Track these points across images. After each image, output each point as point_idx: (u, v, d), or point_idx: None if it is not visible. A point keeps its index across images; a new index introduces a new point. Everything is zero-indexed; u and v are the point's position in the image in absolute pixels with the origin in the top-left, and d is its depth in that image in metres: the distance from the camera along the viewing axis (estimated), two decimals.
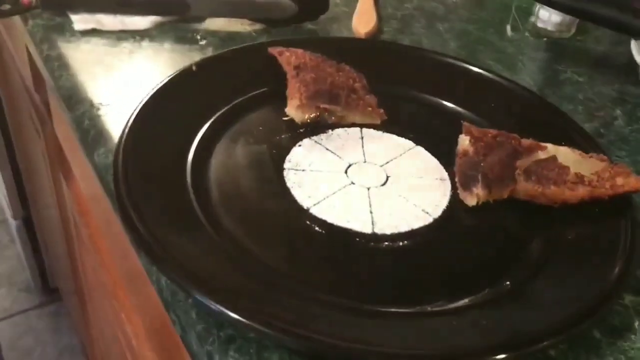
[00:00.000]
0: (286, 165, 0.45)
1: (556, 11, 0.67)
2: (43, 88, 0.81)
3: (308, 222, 0.41)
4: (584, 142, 0.49)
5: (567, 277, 0.40)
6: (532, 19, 0.71)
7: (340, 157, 0.47)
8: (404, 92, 0.54)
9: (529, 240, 0.42)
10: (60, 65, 0.56)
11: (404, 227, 0.42)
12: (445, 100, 0.54)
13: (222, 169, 0.45)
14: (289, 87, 0.50)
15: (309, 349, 0.33)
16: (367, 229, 0.41)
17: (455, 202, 0.45)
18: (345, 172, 0.46)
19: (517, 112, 0.53)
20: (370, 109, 0.50)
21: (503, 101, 0.53)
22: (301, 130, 0.49)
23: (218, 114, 0.49)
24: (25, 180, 1.37)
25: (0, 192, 1.64)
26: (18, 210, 1.47)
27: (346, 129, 0.50)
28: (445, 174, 0.47)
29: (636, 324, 0.39)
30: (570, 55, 0.68)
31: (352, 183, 0.45)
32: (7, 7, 0.59)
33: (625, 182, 0.44)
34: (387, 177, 0.46)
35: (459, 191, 0.45)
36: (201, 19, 0.63)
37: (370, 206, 0.43)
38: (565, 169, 0.44)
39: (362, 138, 0.49)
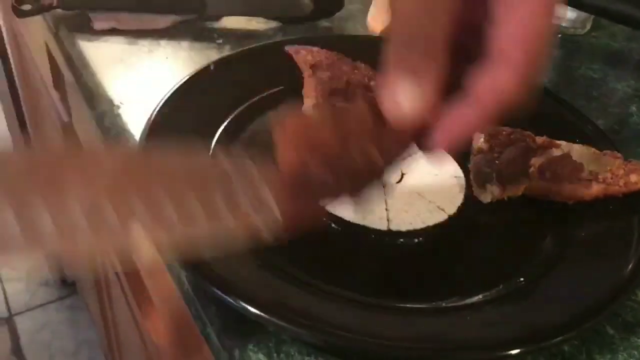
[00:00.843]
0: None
1: (571, 8, 0.67)
2: (62, 86, 0.83)
3: (324, 219, 0.42)
4: (598, 139, 0.49)
5: (580, 273, 0.40)
6: None
7: None
8: None
9: (542, 237, 0.43)
10: (80, 65, 0.57)
11: (419, 224, 0.42)
12: None
13: None
14: (305, 85, 0.51)
15: (326, 343, 0.34)
16: (383, 226, 0.42)
17: (470, 199, 0.45)
18: None
19: (531, 109, 0.53)
20: None
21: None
22: None
23: (235, 112, 0.50)
24: None
25: None
26: None
27: None
28: (460, 171, 0.47)
29: None
30: (585, 52, 0.68)
31: None
32: (27, 7, 0.60)
33: (639, 179, 0.44)
34: (402, 174, 0.46)
35: (473, 188, 0.46)
36: (218, 18, 0.64)
37: (385, 203, 0.44)
38: (579, 166, 0.44)
39: None
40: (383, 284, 0.39)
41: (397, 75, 0.31)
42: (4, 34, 1.16)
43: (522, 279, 0.39)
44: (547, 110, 0.53)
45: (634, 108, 0.59)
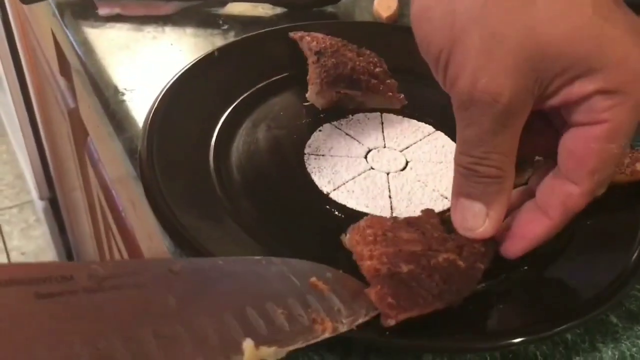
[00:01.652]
0: (306, 150, 0.46)
1: None
2: (68, 72, 0.83)
3: (328, 207, 0.42)
4: None
5: (584, 262, 0.40)
6: None
7: (360, 142, 0.48)
8: (425, 77, 0.54)
9: None
10: (85, 51, 0.57)
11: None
12: None
13: (244, 154, 0.45)
14: (310, 72, 0.51)
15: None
16: (386, 214, 0.42)
17: None
18: (365, 157, 0.46)
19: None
20: (390, 94, 0.51)
21: None
22: (321, 116, 0.50)
23: (240, 99, 0.49)
24: (51, 161, 1.40)
25: (27, 173, 1.67)
26: (44, 191, 1.50)
27: (366, 114, 0.50)
28: None
29: None
30: None
31: (372, 168, 0.45)
32: None
33: None
34: (407, 162, 0.46)
35: None
36: (223, 3, 0.64)
37: (389, 191, 0.44)
38: None
39: (382, 123, 0.50)
40: None
41: (466, 200, 0.33)
42: (11, 20, 1.16)
43: (525, 268, 0.39)
44: None
45: None
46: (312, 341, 0.29)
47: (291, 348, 0.28)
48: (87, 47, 0.57)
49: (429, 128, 0.50)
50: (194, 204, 0.40)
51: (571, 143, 0.32)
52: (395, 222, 0.37)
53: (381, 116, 0.50)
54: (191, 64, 0.50)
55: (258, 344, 0.27)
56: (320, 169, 0.45)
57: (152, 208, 0.39)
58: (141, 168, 0.41)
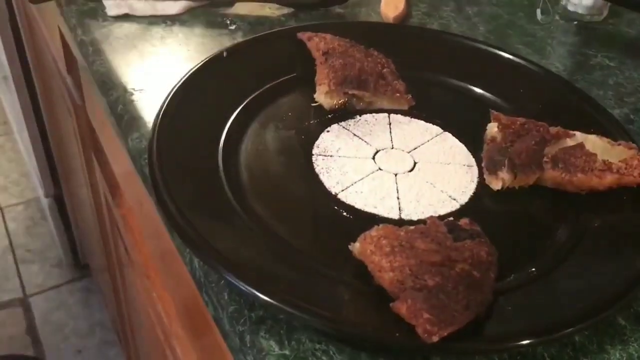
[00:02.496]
0: (315, 150, 0.46)
1: None
2: (75, 70, 0.83)
3: (336, 207, 0.42)
4: (612, 129, 0.49)
5: (593, 264, 0.40)
6: (563, 2, 0.70)
7: (368, 143, 0.48)
8: (432, 78, 0.55)
9: (555, 227, 0.42)
10: (94, 51, 0.57)
11: (430, 213, 0.42)
12: (473, 86, 0.54)
13: (253, 154, 0.46)
14: (318, 73, 0.51)
15: (336, 331, 0.34)
16: (394, 215, 0.42)
17: (482, 188, 0.45)
18: (373, 158, 0.46)
19: (546, 98, 0.53)
20: (398, 94, 0.51)
21: (532, 87, 0.53)
22: (329, 116, 0.50)
23: (248, 99, 0.50)
24: (56, 159, 1.40)
25: (33, 170, 1.68)
26: (50, 188, 1.50)
27: (374, 114, 0.51)
28: (472, 160, 0.47)
29: None
30: (601, 39, 0.67)
31: (380, 169, 0.45)
32: None
33: None
34: (415, 163, 0.46)
35: (485, 175, 0.46)
36: (230, 3, 0.64)
37: (397, 192, 0.44)
38: (592, 156, 0.44)
39: (389, 124, 0.50)
40: None
41: None
42: (18, 18, 1.16)
43: (533, 269, 0.39)
44: (562, 99, 0.53)
45: None
46: None
47: None
48: (95, 47, 0.57)
49: (437, 129, 0.50)
50: (202, 203, 0.40)
51: None
52: (408, 232, 0.37)
53: (389, 117, 0.51)
54: (200, 64, 0.50)
55: None
56: (328, 169, 0.45)
57: (160, 208, 0.39)
58: (150, 168, 0.41)
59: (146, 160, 0.43)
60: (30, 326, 1.49)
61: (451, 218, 0.40)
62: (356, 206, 0.42)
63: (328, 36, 0.53)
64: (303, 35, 0.54)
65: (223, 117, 0.48)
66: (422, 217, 0.42)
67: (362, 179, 0.44)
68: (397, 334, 0.33)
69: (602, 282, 0.38)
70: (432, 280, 0.34)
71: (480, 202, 0.44)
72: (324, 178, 0.44)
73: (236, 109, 0.48)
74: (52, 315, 1.51)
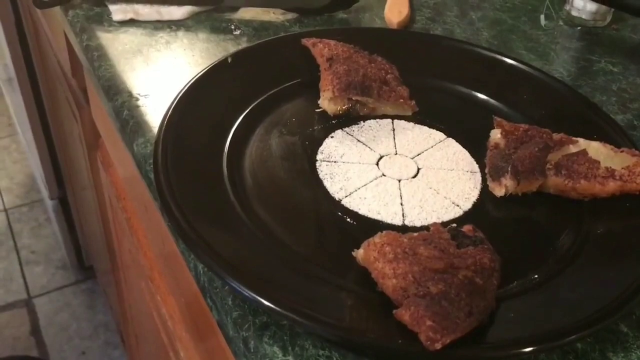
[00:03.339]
0: (319, 156, 0.47)
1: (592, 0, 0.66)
2: (80, 74, 0.83)
3: (340, 214, 0.42)
4: (615, 135, 0.49)
5: (596, 271, 0.40)
6: (567, 7, 0.70)
7: (371, 149, 0.48)
8: (436, 83, 0.55)
9: (558, 234, 0.43)
10: (99, 56, 0.57)
11: (434, 220, 0.42)
12: (477, 92, 0.54)
13: (257, 160, 0.46)
14: (322, 79, 0.51)
15: (339, 338, 0.34)
16: (398, 221, 0.42)
17: (485, 194, 0.45)
18: (377, 164, 0.47)
19: (549, 104, 0.53)
20: (402, 100, 0.51)
21: (535, 93, 0.54)
22: (333, 122, 0.50)
23: (252, 105, 0.50)
24: (61, 161, 1.41)
25: (37, 172, 1.68)
26: (54, 190, 1.51)
27: (378, 120, 0.51)
28: (475, 166, 0.48)
29: None
30: (605, 45, 0.67)
31: (383, 175, 0.46)
32: None
33: None
34: (418, 169, 0.47)
35: (488, 182, 0.46)
36: (235, 9, 0.64)
37: (401, 198, 0.44)
38: (595, 163, 0.44)
39: (393, 130, 0.50)
40: None
41: None
42: (23, 20, 1.17)
43: (536, 276, 0.39)
44: (566, 105, 0.53)
45: None
46: None
47: None
48: (100, 52, 0.58)
49: (441, 135, 0.50)
50: (206, 209, 0.41)
51: None
52: (412, 239, 0.37)
53: (392, 123, 0.51)
54: (205, 70, 0.51)
55: None
56: (332, 175, 0.45)
57: (165, 213, 0.39)
58: (155, 173, 0.42)
59: (151, 165, 0.43)
60: (34, 327, 1.49)
61: (454, 224, 0.40)
62: (360, 212, 0.42)
63: (332, 42, 0.53)
64: (307, 42, 0.54)
65: (227, 122, 0.48)
66: (426, 223, 0.42)
67: (365, 185, 0.45)
68: (400, 341, 0.33)
69: (605, 289, 0.38)
70: (435, 288, 0.34)
71: (484, 209, 0.44)
72: (327, 184, 0.44)
73: (240, 114, 0.49)
74: (56, 317, 1.52)
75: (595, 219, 0.43)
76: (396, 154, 0.48)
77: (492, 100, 0.53)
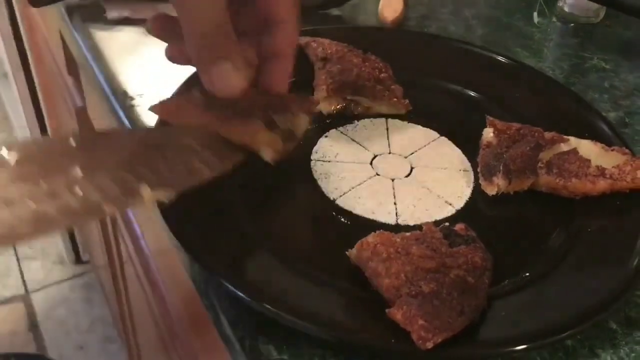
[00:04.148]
0: (313, 156, 0.47)
1: None
2: (76, 71, 0.83)
3: (334, 213, 0.43)
4: (607, 132, 0.49)
5: (586, 269, 0.41)
6: (560, 3, 0.71)
7: (365, 148, 0.48)
8: (429, 82, 0.55)
9: (549, 232, 0.43)
10: (94, 54, 0.58)
11: (426, 219, 0.43)
12: (470, 91, 0.55)
13: (251, 159, 0.46)
14: (316, 78, 0.51)
15: (333, 337, 0.35)
16: (391, 220, 0.43)
17: (478, 193, 0.46)
18: (371, 163, 0.47)
19: (542, 103, 0.53)
20: (395, 99, 0.51)
21: (528, 91, 0.54)
22: (327, 121, 0.50)
23: None
24: None
25: None
26: None
27: (372, 119, 0.51)
28: (468, 165, 0.48)
29: None
30: (598, 41, 0.68)
31: (377, 174, 0.46)
32: None
33: None
34: (412, 168, 0.47)
35: (480, 180, 0.46)
36: None
37: (394, 197, 0.44)
38: (586, 162, 0.45)
39: (387, 129, 0.51)
40: None
41: (214, 66, 0.38)
42: (18, 17, 1.16)
43: (527, 275, 0.40)
44: (558, 104, 0.53)
45: None
46: (194, 183, 0.36)
47: (180, 189, 0.35)
48: (95, 51, 0.58)
49: (434, 134, 0.51)
50: (199, 207, 0.41)
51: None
52: (404, 238, 0.38)
53: (386, 122, 0.51)
54: None
55: (152, 187, 0.34)
56: (327, 175, 0.45)
57: (160, 212, 0.40)
58: None
59: None
60: (32, 322, 1.50)
61: (447, 223, 0.40)
62: (354, 212, 0.43)
63: (326, 41, 0.54)
64: (301, 41, 0.55)
65: None
66: (419, 222, 0.43)
67: (360, 184, 0.45)
68: (393, 340, 0.33)
69: (595, 287, 0.39)
70: (427, 287, 0.35)
71: (476, 207, 0.45)
72: (322, 183, 0.45)
73: None
74: (54, 312, 1.52)
75: (586, 218, 0.44)
76: (390, 153, 0.48)
77: (485, 99, 0.54)
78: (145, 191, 0.34)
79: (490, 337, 0.35)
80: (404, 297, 0.34)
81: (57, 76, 0.98)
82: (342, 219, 0.43)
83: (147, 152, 0.37)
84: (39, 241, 1.67)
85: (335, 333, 0.34)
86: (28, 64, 1.25)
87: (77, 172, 0.33)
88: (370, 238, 0.38)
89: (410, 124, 0.51)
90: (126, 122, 0.51)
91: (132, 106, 0.51)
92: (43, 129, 1.39)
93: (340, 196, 0.44)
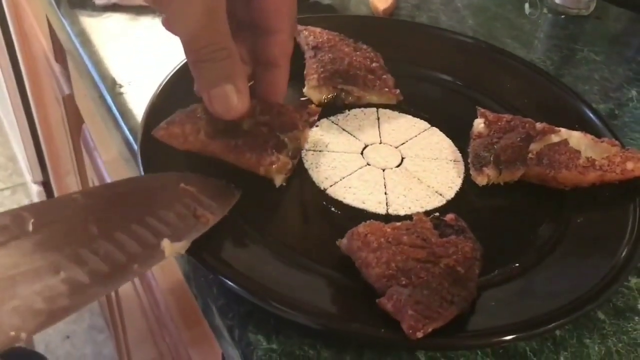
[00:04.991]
0: (305, 146, 0.47)
1: None
2: (63, 59, 0.82)
3: (325, 203, 0.43)
4: (597, 124, 0.50)
5: (575, 259, 0.41)
6: None
7: (356, 138, 0.48)
8: (420, 72, 0.55)
9: (539, 223, 0.43)
10: (82, 41, 0.57)
11: (417, 209, 0.43)
12: (461, 81, 0.54)
13: None
14: (307, 67, 0.51)
15: (323, 327, 0.34)
16: (382, 210, 0.42)
17: (468, 184, 0.46)
18: (362, 153, 0.47)
19: (533, 94, 0.53)
20: (387, 89, 0.51)
21: (518, 82, 0.54)
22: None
23: None
24: (44, 145, 1.40)
25: (20, 155, 1.67)
26: (37, 174, 1.50)
27: (363, 109, 0.51)
28: (459, 156, 0.48)
29: None
30: (588, 33, 0.68)
31: (368, 164, 0.46)
32: None
33: (636, 167, 0.44)
34: (402, 158, 0.47)
35: (471, 171, 0.46)
36: None
37: (385, 187, 0.44)
38: (576, 153, 0.45)
39: (378, 119, 0.50)
40: None
41: (215, 89, 0.38)
42: (4, 4, 1.15)
43: (517, 265, 0.40)
44: (549, 95, 0.53)
45: (634, 92, 0.59)
46: (203, 230, 0.36)
47: (193, 238, 0.35)
48: (83, 38, 0.57)
49: (425, 124, 0.50)
50: None
51: (265, 1, 0.39)
52: (395, 228, 0.38)
53: (377, 111, 0.51)
54: None
55: (171, 241, 0.34)
56: (317, 164, 0.45)
57: None
58: (141, 163, 0.41)
59: (135, 152, 0.43)
60: None
61: (437, 214, 0.40)
62: (345, 201, 0.43)
63: (317, 30, 0.53)
64: None
65: None
66: (409, 212, 0.43)
67: (350, 174, 0.45)
68: (383, 330, 0.33)
69: (584, 277, 0.39)
70: (417, 277, 0.35)
71: (466, 198, 0.45)
72: (312, 173, 0.45)
73: None
74: None
75: (576, 208, 0.44)
76: (381, 143, 0.48)
77: (476, 90, 0.54)
78: (167, 247, 0.34)
79: (480, 327, 0.35)
80: (394, 287, 0.34)
81: (44, 63, 0.97)
82: (333, 209, 0.42)
83: (150, 201, 0.37)
84: None
85: (325, 322, 0.34)
86: (14, 51, 1.23)
87: (94, 230, 0.33)
88: (361, 228, 0.38)
89: (401, 114, 0.51)
90: (114, 109, 0.50)
91: (121, 94, 0.51)
92: (29, 117, 1.37)
93: (331, 186, 0.44)
